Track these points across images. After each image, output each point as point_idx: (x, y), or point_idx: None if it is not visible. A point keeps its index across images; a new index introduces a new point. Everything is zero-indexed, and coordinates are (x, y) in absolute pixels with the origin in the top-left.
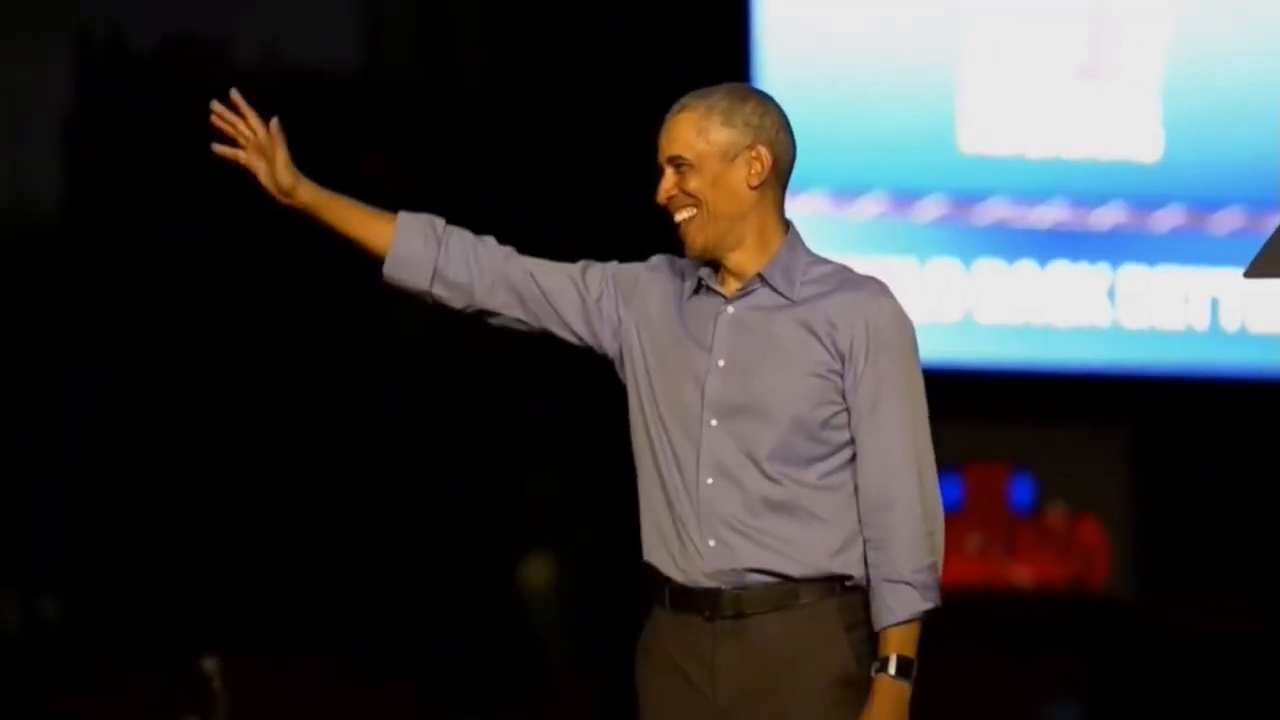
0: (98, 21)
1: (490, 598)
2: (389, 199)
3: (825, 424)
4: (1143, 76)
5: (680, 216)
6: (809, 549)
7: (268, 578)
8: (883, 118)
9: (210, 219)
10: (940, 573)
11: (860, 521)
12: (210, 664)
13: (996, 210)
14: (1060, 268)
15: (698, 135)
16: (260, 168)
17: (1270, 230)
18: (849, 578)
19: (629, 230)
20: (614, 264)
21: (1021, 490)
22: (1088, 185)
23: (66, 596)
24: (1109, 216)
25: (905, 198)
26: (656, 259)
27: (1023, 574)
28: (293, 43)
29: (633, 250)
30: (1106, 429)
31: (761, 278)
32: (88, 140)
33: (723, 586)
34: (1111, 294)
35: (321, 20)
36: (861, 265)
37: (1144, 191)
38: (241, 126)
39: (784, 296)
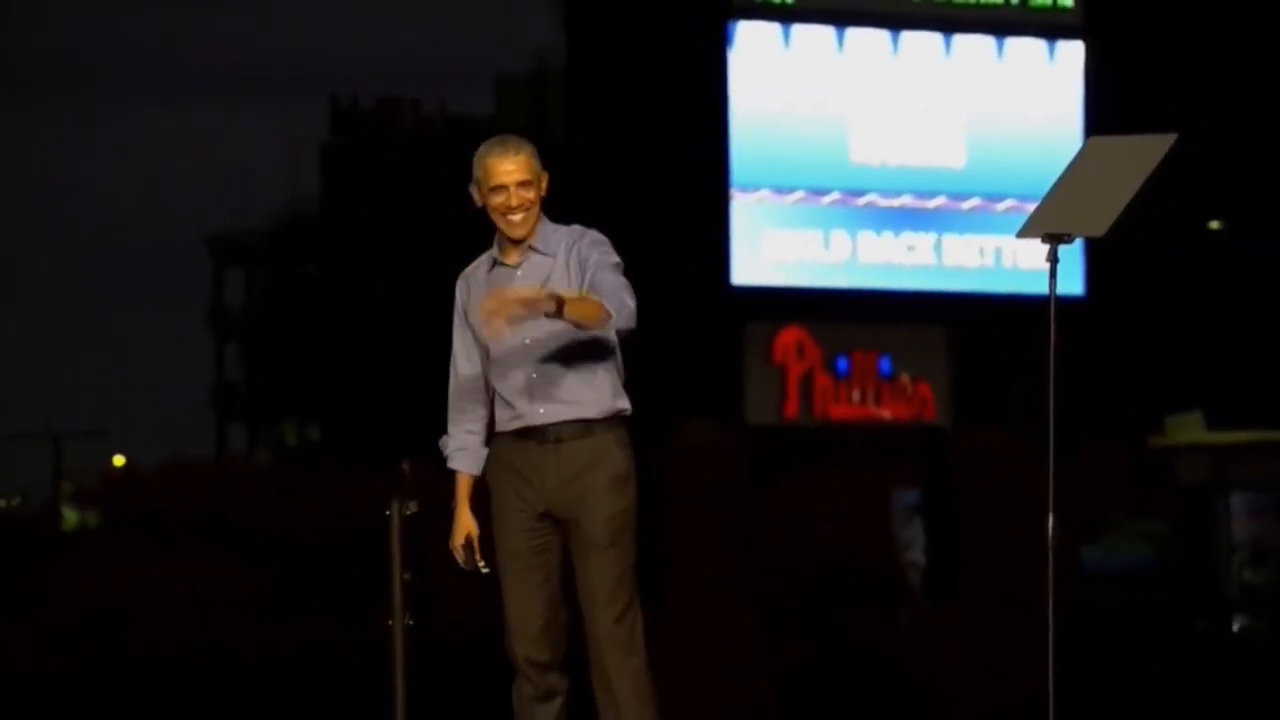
0: (341, 90)
1: None
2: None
3: None
4: (956, 118)
5: (520, 215)
6: (600, 399)
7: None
8: (803, 145)
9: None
10: (632, 320)
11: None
12: (406, 466)
13: (870, 199)
14: (907, 234)
15: (530, 166)
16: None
17: (1029, 211)
18: (623, 410)
19: (655, 209)
20: (459, 313)
21: (884, 365)
22: (923, 184)
23: (323, 424)
24: (936, 203)
25: (816, 192)
26: (460, 278)
27: (885, 414)
28: (453, 101)
29: (651, 225)
30: (934, 328)
31: (531, 248)
32: (336, 163)
33: (548, 426)
34: (937, 248)
35: (470, 88)
36: (789, 235)
37: (956, 188)
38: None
39: (546, 254)
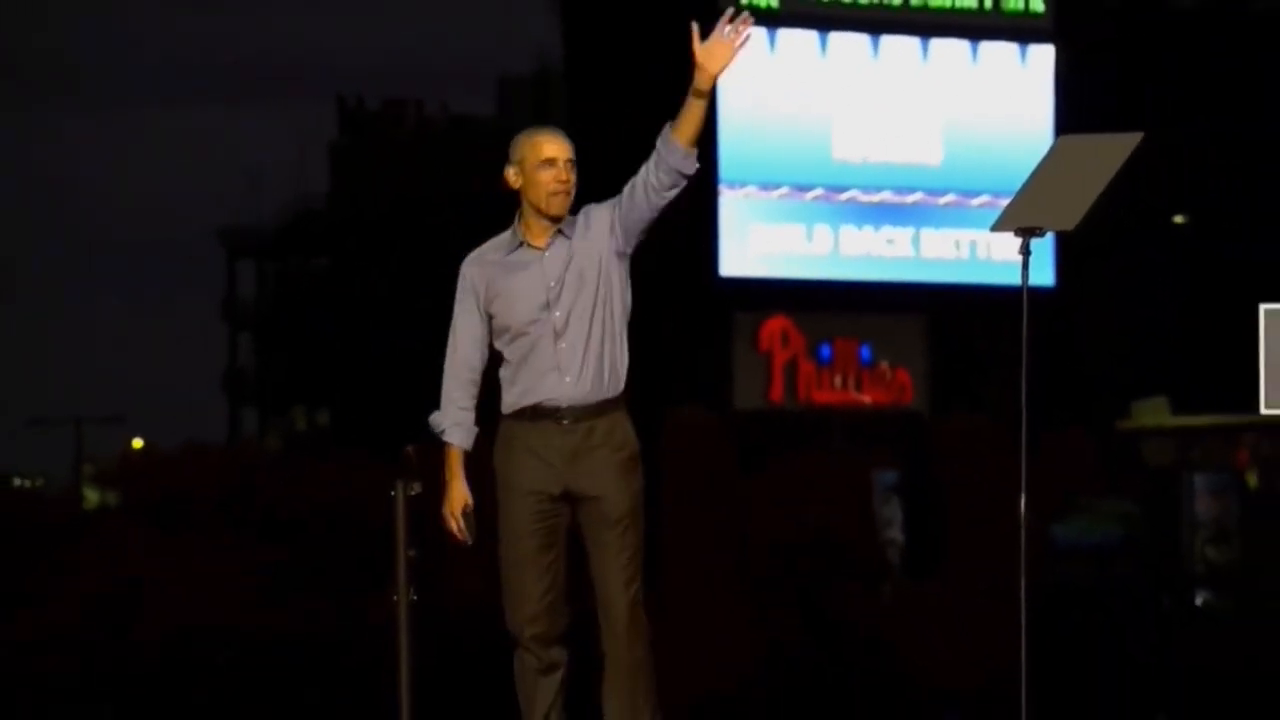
0: (348, 91)
1: None
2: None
3: (620, 295)
4: (933, 117)
5: (563, 194)
6: (613, 380)
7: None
8: (788, 143)
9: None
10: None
11: (649, 209)
12: (411, 450)
13: (852, 195)
14: (886, 227)
15: (571, 148)
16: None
17: (1003, 207)
18: (624, 393)
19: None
20: (468, 296)
21: (865, 352)
22: (902, 180)
23: (331, 410)
24: (914, 198)
25: (800, 188)
26: (467, 261)
27: (866, 399)
28: (455, 102)
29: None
30: (912, 317)
31: (560, 231)
32: (343, 161)
33: (565, 407)
34: (915, 241)
35: (472, 89)
36: (775, 229)
37: (934, 185)
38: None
39: (569, 238)
